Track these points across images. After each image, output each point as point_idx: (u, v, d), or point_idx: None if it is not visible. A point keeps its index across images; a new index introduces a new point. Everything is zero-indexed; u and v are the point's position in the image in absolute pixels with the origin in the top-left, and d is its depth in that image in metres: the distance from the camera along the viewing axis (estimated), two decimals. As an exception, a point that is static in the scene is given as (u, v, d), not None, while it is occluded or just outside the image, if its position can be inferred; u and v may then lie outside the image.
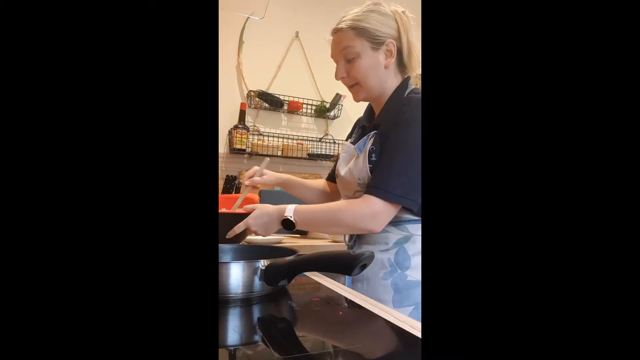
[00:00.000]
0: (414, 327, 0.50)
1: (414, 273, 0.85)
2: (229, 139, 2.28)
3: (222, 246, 0.82)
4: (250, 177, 1.08)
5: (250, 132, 2.30)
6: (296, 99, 2.38)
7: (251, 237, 1.35)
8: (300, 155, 2.39)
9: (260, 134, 2.36)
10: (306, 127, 2.55)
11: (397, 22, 0.88)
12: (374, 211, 0.80)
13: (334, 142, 2.54)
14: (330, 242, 1.68)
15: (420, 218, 0.86)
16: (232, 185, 1.97)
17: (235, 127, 2.24)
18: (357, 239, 0.94)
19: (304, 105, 2.43)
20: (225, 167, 2.30)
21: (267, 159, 1.16)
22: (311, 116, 2.53)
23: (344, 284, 0.87)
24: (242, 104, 2.29)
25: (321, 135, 2.55)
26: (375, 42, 0.87)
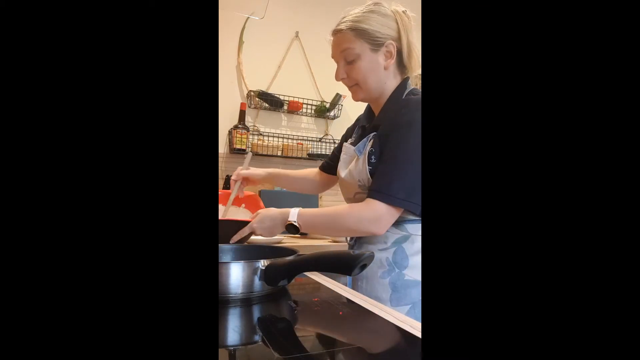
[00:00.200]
0: (414, 327, 0.50)
1: (412, 272, 0.86)
2: (229, 139, 2.28)
3: (222, 246, 0.82)
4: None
5: (250, 132, 2.30)
6: (296, 99, 2.38)
7: (252, 237, 1.35)
8: (300, 155, 2.39)
9: (260, 134, 2.36)
10: (306, 127, 2.55)
11: (397, 23, 0.88)
12: (376, 215, 0.81)
13: (334, 142, 2.54)
14: (330, 242, 1.68)
15: (418, 218, 0.86)
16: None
17: (235, 127, 2.24)
18: (358, 238, 0.95)
19: (304, 105, 2.42)
20: (225, 167, 2.30)
21: (250, 153, 1.20)
22: (311, 116, 2.53)
23: (345, 283, 0.87)
24: (242, 104, 2.29)
25: (321, 135, 2.55)
26: (375, 43, 0.87)
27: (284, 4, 2.49)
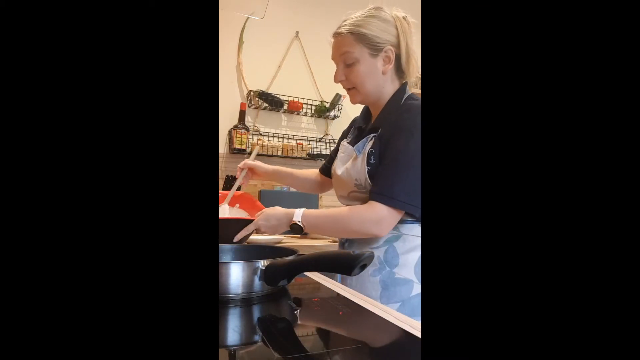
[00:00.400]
0: (414, 327, 0.50)
1: (402, 271, 0.87)
2: (229, 139, 2.28)
3: (222, 246, 0.82)
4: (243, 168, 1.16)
5: (250, 132, 2.30)
6: (296, 99, 2.38)
7: (252, 237, 1.35)
8: (300, 155, 2.39)
9: (260, 134, 2.36)
10: (306, 127, 2.55)
11: (397, 29, 0.89)
12: (379, 217, 0.82)
13: (334, 142, 2.54)
14: (329, 242, 1.68)
15: (412, 219, 0.87)
16: (232, 185, 1.97)
17: (235, 127, 2.24)
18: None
19: (304, 105, 2.42)
20: (225, 167, 2.30)
21: (257, 147, 1.24)
22: (311, 116, 2.53)
23: (336, 280, 0.88)
24: (242, 104, 2.29)
25: (321, 135, 2.55)
26: (374, 48, 0.88)
27: (284, 4, 2.49)
